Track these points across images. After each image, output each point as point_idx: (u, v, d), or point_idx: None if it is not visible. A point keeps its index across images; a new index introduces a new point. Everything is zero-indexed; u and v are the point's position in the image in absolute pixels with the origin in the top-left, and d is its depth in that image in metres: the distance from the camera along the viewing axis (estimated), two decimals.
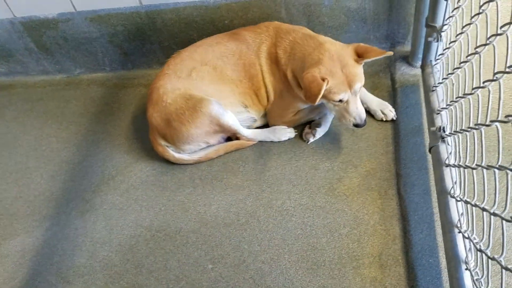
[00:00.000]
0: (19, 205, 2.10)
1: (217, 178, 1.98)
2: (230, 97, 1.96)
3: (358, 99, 1.74)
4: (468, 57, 1.31)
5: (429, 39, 1.82)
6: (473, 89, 1.23)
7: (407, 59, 2.17)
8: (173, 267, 1.74)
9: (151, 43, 2.44)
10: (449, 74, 1.54)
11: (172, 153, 2.00)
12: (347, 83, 1.65)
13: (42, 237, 1.95)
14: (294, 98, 1.92)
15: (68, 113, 2.49)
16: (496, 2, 1.07)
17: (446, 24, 1.64)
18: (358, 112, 1.73)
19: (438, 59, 1.79)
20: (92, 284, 1.75)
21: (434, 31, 1.77)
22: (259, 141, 2.05)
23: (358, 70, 1.67)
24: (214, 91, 1.92)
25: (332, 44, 1.71)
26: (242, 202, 1.87)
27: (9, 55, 2.67)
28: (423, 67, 1.99)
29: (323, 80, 1.60)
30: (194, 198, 1.93)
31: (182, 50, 2.01)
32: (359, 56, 1.66)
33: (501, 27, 1.01)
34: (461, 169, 1.37)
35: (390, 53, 1.63)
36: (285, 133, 2.03)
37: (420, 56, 2.03)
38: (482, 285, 1.12)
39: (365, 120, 1.75)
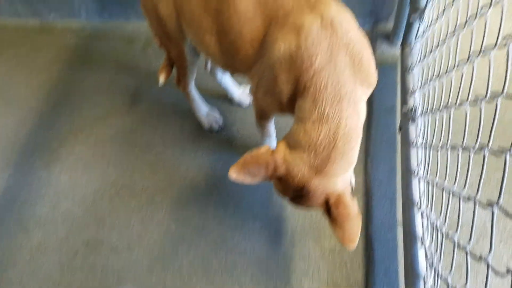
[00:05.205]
0: None
1: (188, 140, 1.96)
2: None
3: None
4: (447, 38, 1.32)
5: (412, 18, 1.82)
6: (447, 70, 1.24)
7: (388, 37, 2.17)
8: (136, 224, 1.73)
9: None
10: (427, 54, 1.55)
11: None
12: (288, 196, 1.18)
13: (4, 184, 1.90)
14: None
15: (39, 60, 2.40)
16: None
17: (429, 3, 1.64)
18: None
19: (417, 39, 1.79)
20: (53, 234, 1.73)
21: (417, 10, 1.76)
22: (236, 109, 2.04)
23: (313, 207, 1.17)
24: None
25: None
26: (212, 166, 1.87)
27: None
28: (402, 47, 1.99)
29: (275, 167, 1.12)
30: (163, 158, 1.92)
31: None
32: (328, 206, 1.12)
33: (481, 8, 1.01)
34: (427, 151, 1.40)
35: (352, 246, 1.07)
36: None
37: (401, 35, 2.03)
38: (434, 262, 1.16)
39: None
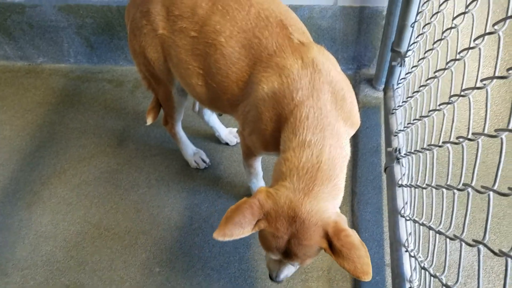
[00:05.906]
0: None
1: (174, 180, 1.95)
2: None
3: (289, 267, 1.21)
4: (428, 81, 1.36)
5: (393, 63, 1.88)
6: (429, 111, 1.28)
7: (371, 82, 2.23)
8: (119, 267, 1.68)
9: (119, 39, 2.39)
10: (409, 97, 1.59)
11: None
12: (279, 251, 1.09)
13: None
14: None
15: (26, 101, 2.40)
16: (458, 30, 1.12)
17: (410, 50, 1.70)
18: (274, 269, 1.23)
19: (400, 83, 1.85)
20: (32, 278, 1.67)
21: (398, 56, 1.83)
22: (222, 148, 2.04)
23: (310, 252, 1.08)
24: None
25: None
26: (197, 206, 1.85)
27: None
28: (385, 91, 2.05)
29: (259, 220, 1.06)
30: (148, 199, 1.89)
31: None
32: (330, 241, 1.02)
33: (459, 52, 1.05)
34: (413, 191, 1.41)
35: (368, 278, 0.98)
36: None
37: (384, 79, 2.09)
38: None
39: (275, 277, 1.23)
